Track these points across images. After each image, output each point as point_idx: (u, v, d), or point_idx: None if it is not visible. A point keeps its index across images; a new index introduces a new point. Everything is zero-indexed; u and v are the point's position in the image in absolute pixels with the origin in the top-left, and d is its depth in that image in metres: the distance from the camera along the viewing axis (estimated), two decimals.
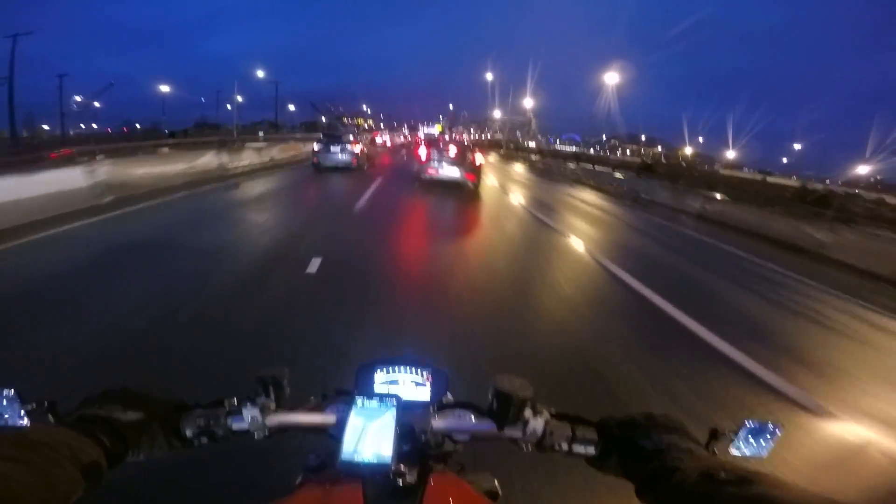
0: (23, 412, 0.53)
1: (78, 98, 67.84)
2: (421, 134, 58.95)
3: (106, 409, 0.56)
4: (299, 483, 0.70)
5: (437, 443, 0.67)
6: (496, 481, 0.75)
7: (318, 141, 15.92)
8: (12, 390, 0.53)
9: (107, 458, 0.51)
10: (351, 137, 16.24)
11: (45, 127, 64.56)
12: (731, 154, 69.41)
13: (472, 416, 0.68)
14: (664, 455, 0.54)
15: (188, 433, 0.61)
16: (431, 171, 11.90)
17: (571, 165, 26.55)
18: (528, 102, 42.13)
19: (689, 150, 78.67)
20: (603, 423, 0.63)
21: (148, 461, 0.59)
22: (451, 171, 11.86)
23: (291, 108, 77.64)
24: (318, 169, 14.89)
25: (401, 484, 0.60)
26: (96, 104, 69.65)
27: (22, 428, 0.52)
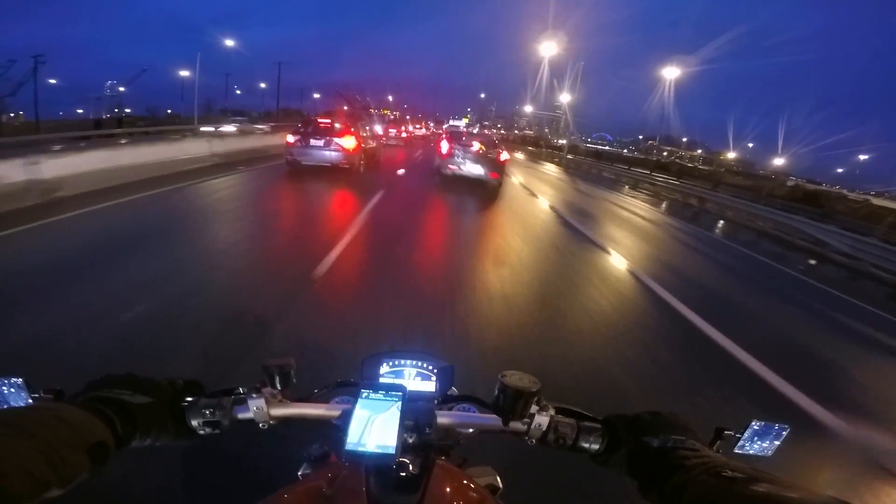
0: (30, 400, 0.53)
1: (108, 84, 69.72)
2: (445, 126, 56.20)
3: (115, 392, 0.54)
4: (301, 472, 0.72)
5: (441, 436, 0.65)
6: (497, 476, 0.78)
7: (295, 132, 10.67)
8: (20, 379, 0.53)
9: (115, 440, 0.50)
10: (337, 126, 10.79)
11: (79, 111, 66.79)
12: (778, 161, 64.74)
13: (476, 410, 0.68)
14: (669, 453, 0.53)
15: (193, 423, 0.59)
16: (453, 167, 10.76)
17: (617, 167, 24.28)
18: (565, 97, 39.22)
19: (731, 155, 74.17)
20: (609, 420, 0.62)
21: (150, 448, 0.56)
22: (473, 168, 10.70)
23: (316, 96, 77.55)
24: (295, 168, 10.32)
25: (404, 475, 0.59)
26: (121, 89, 71.16)
27: (33, 405, 0.52)
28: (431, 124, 70.84)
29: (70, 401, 0.52)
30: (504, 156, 11.32)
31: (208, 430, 0.60)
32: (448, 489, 0.64)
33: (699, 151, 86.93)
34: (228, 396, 0.62)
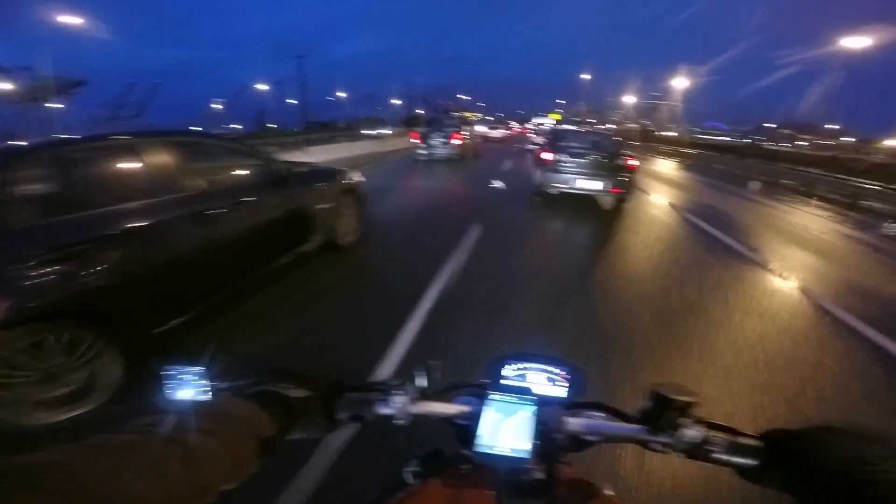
0: (209, 387, 0.56)
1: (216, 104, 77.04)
2: (531, 126, 48.50)
3: (280, 385, 0.57)
4: (411, 470, 0.71)
5: (567, 442, 0.65)
6: (611, 486, 0.74)
7: (420, 134, 15.48)
8: (202, 368, 0.56)
9: (279, 433, 0.52)
10: (451, 131, 15.26)
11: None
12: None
13: (604, 418, 0.67)
14: (851, 466, 0.44)
15: (341, 415, 0.62)
16: (561, 185, 8.10)
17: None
18: (681, 82, 34.43)
19: (892, 143, 60.37)
20: (770, 434, 0.55)
21: (301, 441, 0.59)
22: (590, 183, 7.93)
23: (397, 102, 79.76)
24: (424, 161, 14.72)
25: (534, 480, 0.59)
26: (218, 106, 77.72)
27: (212, 401, 0.54)
28: (514, 124, 66.00)
29: (242, 394, 0.55)
30: (632, 162, 8.29)
31: (353, 423, 0.63)
32: (578, 495, 0.63)
33: (852, 139, 72.16)
34: (373, 392, 0.64)
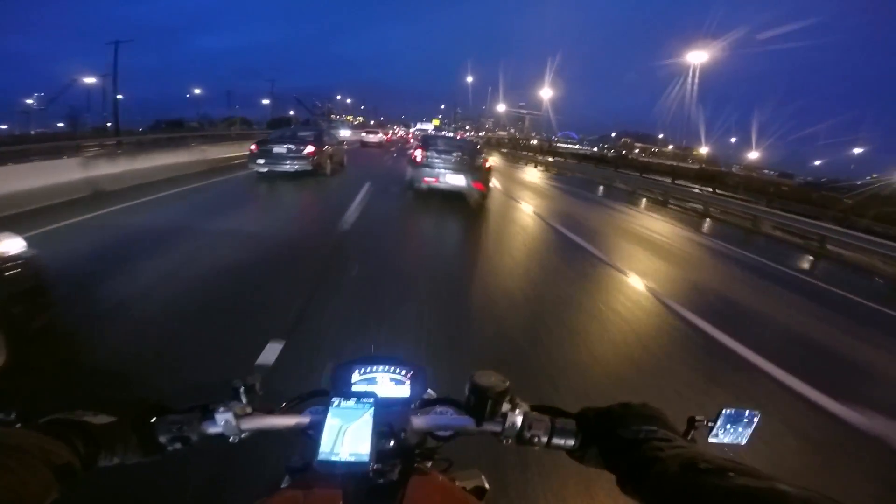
0: None
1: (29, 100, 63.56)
2: (414, 130, 51.94)
3: (77, 413, 0.54)
4: (284, 486, 0.69)
5: (419, 441, 0.66)
6: (483, 477, 0.75)
7: (258, 142, 11.27)
8: None
9: (80, 461, 0.50)
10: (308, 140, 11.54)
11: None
12: (753, 155, 64.19)
13: (453, 412, 0.67)
14: (643, 445, 0.53)
15: (161, 439, 0.59)
16: (429, 179, 9.02)
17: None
18: (547, 93, 37.33)
19: (703, 150, 73.49)
20: (582, 414, 0.62)
21: (122, 466, 0.56)
22: (454, 179, 8.98)
23: (265, 102, 71.63)
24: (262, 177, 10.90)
25: (381, 483, 0.59)
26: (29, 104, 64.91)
27: None
28: (398, 128, 66.26)
29: (31, 425, 0.52)
30: (488, 161, 9.76)
31: (177, 445, 0.59)
32: (427, 494, 0.60)
33: (670, 147, 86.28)
34: (196, 411, 0.60)
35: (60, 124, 60.53)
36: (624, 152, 75.66)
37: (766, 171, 62.29)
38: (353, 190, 9.55)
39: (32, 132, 50.39)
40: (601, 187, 17.66)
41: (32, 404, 0.54)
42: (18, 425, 0.51)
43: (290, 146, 11.04)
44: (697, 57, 37.35)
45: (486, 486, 0.74)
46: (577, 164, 26.29)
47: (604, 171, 22.24)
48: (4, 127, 62.64)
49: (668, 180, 18.41)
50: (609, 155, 44.69)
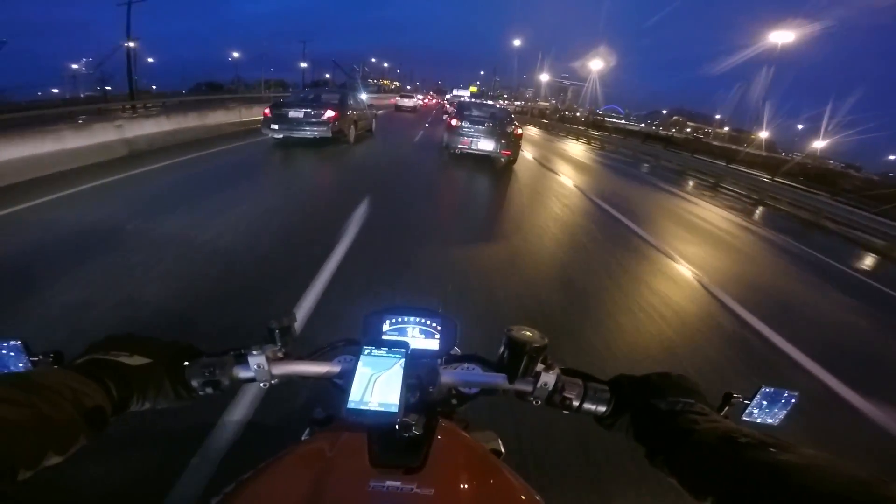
0: (29, 364, 0.52)
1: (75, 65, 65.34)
2: (449, 97, 50.18)
3: (113, 353, 0.53)
4: (305, 437, 0.70)
5: (445, 396, 0.66)
6: (500, 441, 0.75)
7: (273, 106, 10.11)
8: (19, 341, 0.51)
9: (112, 404, 0.49)
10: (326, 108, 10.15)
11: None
12: (819, 144, 59.74)
13: (481, 370, 0.65)
14: (679, 417, 0.51)
15: (194, 382, 0.58)
16: (463, 144, 9.76)
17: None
18: (596, 64, 35.07)
19: (763, 135, 68.47)
20: (616, 381, 0.60)
21: (153, 412, 0.54)
22: (485, 144, 9.78)
23: (303, 65, 73.12)
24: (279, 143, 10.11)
25: (406, 435, 0.57)
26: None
27: (25, 373, 0.50)
28: (432, 96, 64.38)
29: (67, 365, 0.51)
30: (519, 130, 10.28)
31: (208, 389, 0.58)
32: (452, 450, 0.59)
33: (725, 129, 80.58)
34: (228, 355, 0.60)
35: (108, 87, 62.53)
36: (674, 130, 71.35)
37: (831, 163, 57.52)
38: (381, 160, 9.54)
39: (82, 95, 52.77)
40: (663, 170, 16.48)
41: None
42: (56, 367, 0.51)
43: (307, 110, 9.84)
44: (782, 37, 32.55)
45: (502, 449, 0.74)
46: (622, 139, 24.70)
47: (671, 152, 20.35)
48: (56, 91, 65.93)
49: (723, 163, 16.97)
50: (674, 135, 41.66)
